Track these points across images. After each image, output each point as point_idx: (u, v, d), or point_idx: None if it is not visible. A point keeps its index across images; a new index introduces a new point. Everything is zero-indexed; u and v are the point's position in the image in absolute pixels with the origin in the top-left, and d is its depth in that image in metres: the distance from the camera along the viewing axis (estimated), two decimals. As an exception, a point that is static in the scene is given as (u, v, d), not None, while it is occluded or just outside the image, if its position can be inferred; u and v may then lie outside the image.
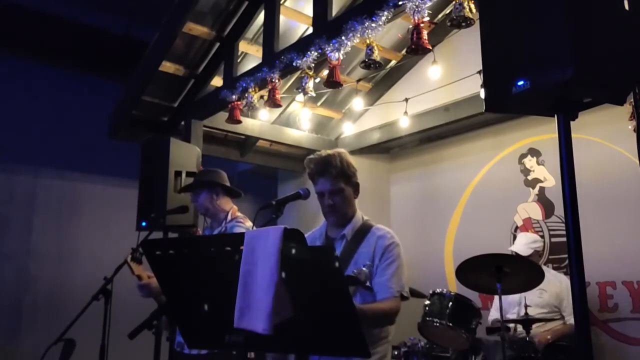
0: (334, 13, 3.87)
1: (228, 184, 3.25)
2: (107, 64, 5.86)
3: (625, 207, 4.08)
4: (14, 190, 5.43)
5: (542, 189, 4.75)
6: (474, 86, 4.25)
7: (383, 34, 4.39)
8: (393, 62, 5.27)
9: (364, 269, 1.98)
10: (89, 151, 5.67)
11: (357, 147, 5.68)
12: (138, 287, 3.10)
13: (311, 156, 2.35)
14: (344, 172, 2.27)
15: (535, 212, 4.76)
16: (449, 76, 4.66)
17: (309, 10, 4.15)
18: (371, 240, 2.25)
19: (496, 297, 3.49)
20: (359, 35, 3.32)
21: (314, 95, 4.06)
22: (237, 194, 3.28)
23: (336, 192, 2.27)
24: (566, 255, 1.65)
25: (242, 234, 1.56)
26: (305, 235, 2.38)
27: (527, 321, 3.45)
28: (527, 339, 3.40)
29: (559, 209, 4.46)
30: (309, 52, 3.63)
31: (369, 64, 3.45)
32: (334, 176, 2.25)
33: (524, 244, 4.04)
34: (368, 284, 2.05)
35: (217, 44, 4.74)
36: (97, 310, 2.87)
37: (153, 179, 4.17)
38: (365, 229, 2.31)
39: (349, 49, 3.46)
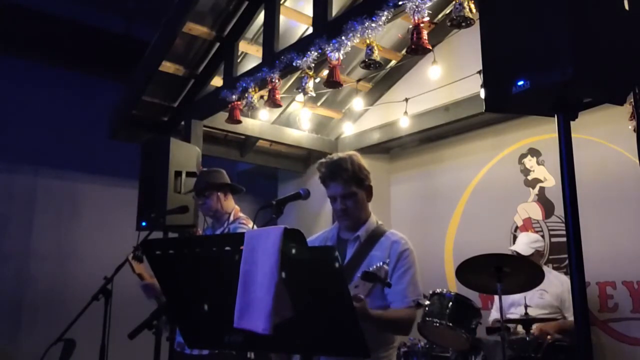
0: (334, 13, 3.88)
1: (229, 181, 3.26)
2: (107, 64, 5.87)
3: (626, 207, 4.08)
4: (14, 190, 5.43)
5: (542, 189, 4.75)
6: (474, 86, 4.25)
7: (383, 34, 4.38)
8: (393, 62, 5.27)
9: (384, 265, 1.94)
10: (89, 151, 5.67)
11: (357, 147, 5.66)
12: (141, 288, 3.11)
13: (323, 160, 2.30)
14: (355, 176, 2.23)
15: (535, 212, 4.76)
16: (449, 76, 4.66)
17: (309, 10, 4.15)
18: (385, 245, 2.23)
19: (496, 297, 3.49)
20: (359, 35, 3.32)
21: (314, 95, 4.06)
22: (240, 191, 3.29)
23: (348, 196, 2.22)
24: (566, 255, 1.65)
25: (242, 233, 1.56)
26: (315, 236, 2.41)
27: (527, 321, 3.45)
28: (527, 339, 3.40)
29: (559, 209, 4.46)
30: (309, 52, 3.63)
31: (369, 64, 3.46)
32: (345, 180, 2.21)
33: (525, 244, 4.04)
34: (388, 280, 1.99)
35: (217, 44, 4.74)
36: (97, 310, 2.87)
37: (153, 179, 4.17)
38: (379, 233, 2.28)
39: (349, 49, 3.46)
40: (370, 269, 1.93)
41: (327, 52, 3.51)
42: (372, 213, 2.34)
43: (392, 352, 2.25)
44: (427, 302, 3.36)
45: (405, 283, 2.16)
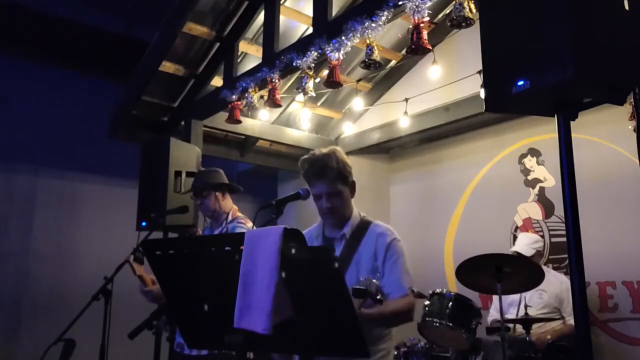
0: (334, 13, 3.87)
1: (227, 181, 3.26)
2: (107, 64, 5.87)
3: (626, 207, 4.08)
4: (14, 190, 5.43)
5: (542, 189, 4.75)
6: (474, 86, 4.25)
7: (383, 34, 4.38)
8: (393, 62, 5.27)
9: (374, 280, 1.92)
10: (89, 151, 5.67)
11: (357, 147, 5.67)
12: (142, 293, 3.10)
13: (305, 156, 2.28)
14: (341, 174, 2.21)
15: (535, 212, 4.76)
16: (449, 76, 4.66)
17: (309, 10, 4.15)
18: (371, 239, 2.23)
19: (495, 297, 3.48)
20: (359, 35, 3.32)
21: (314, 95, 4.06)
22: (237, 190, 3.29)
23: (334, 194, 2.21)
24: (566, 255, 1.65)
25: (242, 233, 1.56)
26: None
27: (527, 321, 3.45)
28: (527, 339, 3.40)
29: (559, 209, 4.46)
30: (309, 52, 3.63)
31: (369, 64, 3.45)
32: (331, 179, 2.19)
33: (526, 244, 4.04)
34: (379, 296, 1.96)
35: (217, 44, 4.74)
36: (97, 310, 2.87)
37: (153, 179, 4.17)
38: (363, 227, 2.28)
39: (349, 49, 3.46)
40: (361, 280, 1.91)
41: (327, 52, 3.50)
42: (354, 207, 2.33)
43: (390, 344, 2.25)
44: (427, 302, 3.36)
45: (398, 272, 2.17)
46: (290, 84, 5.10)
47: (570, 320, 3.68)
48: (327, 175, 2.19)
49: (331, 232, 2.32)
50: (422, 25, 3.04)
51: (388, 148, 5.94)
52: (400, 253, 2.21)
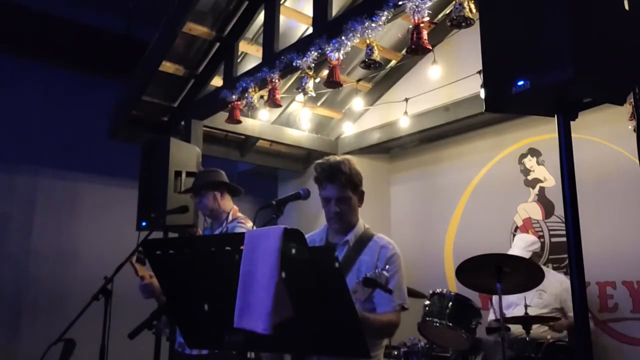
0: (334, 13, 3.87)
1: (227, 181, 3.26)
2: (107, 64, 5.87)
3: (626, 207, 4.08)
4: (14, 190, 5.43)
5: (542, 189, 4.75)
6: (474, 86, 4.25)
7: (383, 34, 4.38)
8: (393, 62, 5.27)
9: (384, 272, 1.94)
10: (89, 151, 5.67)
11: (357, 147, 5.68)
12: (140, 288, 3.09)
13: (320, 161, 2.33)
14: (352, 180, 2.27)
15: (535, 212, 4.76)
16: (449, 76, 4.66)
17: (309, 10, 4.15)
18: (374, 249, 2.26)
19: (495, 297, 3.49)
20: (359, 35, 3.32)
21: (314, 95, 4.05)
22: (238, 192, 3.28)
23: (343, 200, 2.26)
24: (566, 255, 1.65)
25: (242, 233, 1.56)
26: None
27: (527, 321, 3.45)
28: (527, 339, 3.41)
29: (559, 209, 4.46)
30: (309, 52, 3.63)
31: (369, 64, 3.45)
32: (343, 183, 2.24)
33: (522, 248, 4.04)
34: (389, 286, 1.98)
35: (217, 44, 4.74)
36: (97, 310, 2.86)
37: (153, 179, 4.17)
38: (367, 237, 2.31)
39: (349, 49, 3.46)
40: (369, 274, 1.92)
41: (327, 52, 3.50)
42: (360, 218, 2.37)
43: (381, 352, 2.29)
44: (427, 302, 3.36)
45: (391, 287, 2.17)
46: (290, 84, 5.10)
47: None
48: (339, 179, 2.24)
49: (335, 237, 2.35)
50: (422, 25, 3.04)
51: (388, 148, 5.94)
52: (398, 268, 2.24)
